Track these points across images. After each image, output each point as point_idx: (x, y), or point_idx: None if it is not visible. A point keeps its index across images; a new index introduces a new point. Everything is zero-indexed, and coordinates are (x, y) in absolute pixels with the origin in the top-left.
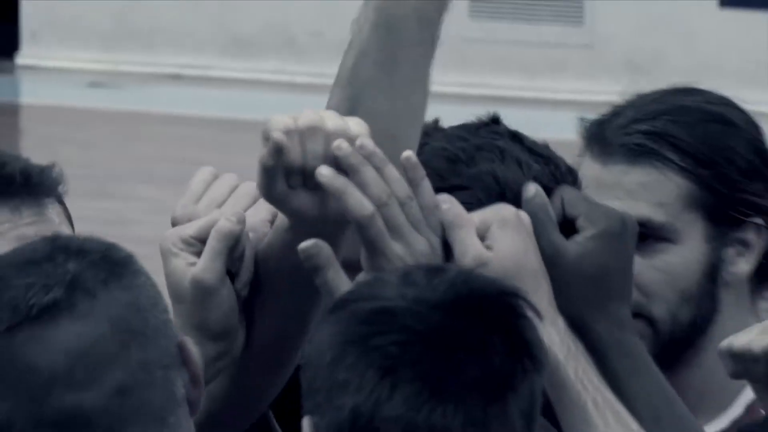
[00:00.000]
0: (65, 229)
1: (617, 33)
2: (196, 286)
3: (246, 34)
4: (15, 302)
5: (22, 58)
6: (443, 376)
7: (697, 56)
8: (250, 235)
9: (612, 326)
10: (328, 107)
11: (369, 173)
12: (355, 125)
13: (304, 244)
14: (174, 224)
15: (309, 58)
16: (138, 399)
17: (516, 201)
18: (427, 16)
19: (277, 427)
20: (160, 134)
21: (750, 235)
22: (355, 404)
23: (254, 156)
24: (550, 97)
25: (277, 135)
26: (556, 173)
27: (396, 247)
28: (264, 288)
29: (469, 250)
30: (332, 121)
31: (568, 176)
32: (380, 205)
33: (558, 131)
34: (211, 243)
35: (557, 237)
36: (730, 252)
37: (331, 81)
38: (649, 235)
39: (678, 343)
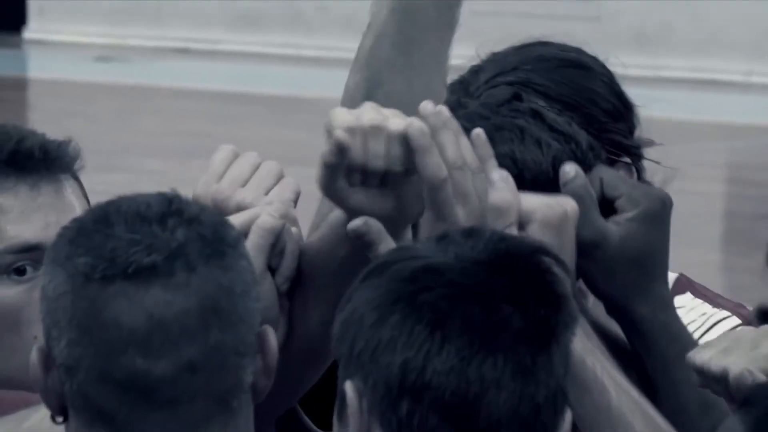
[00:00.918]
0: (81, 207)
1: (625, 6)
2: None
3: (253, 8)
4: (115, 254)
5: (30, 32)
6: (492, 328)
7: (705, 29)
8: (293, 230)
9: (656, 309)
10: (346, 88)
11: (449, 136)
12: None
13: (354, 223)
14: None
15: (315, 31)
16: (205, 379)
17: (534, 182)
18: (444, 0)
19: (306, 419)
20: (167, 108)
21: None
22: (404, 360)
23: (260, 129)
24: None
25: (340, 134)
26: (576, 151)
27: (460, 214)
28: (308, 282)
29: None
30: (394, 120)
31: (589, 153)
32: (454, 169)
33: None
34: (253, 238)
35: (600, 220)
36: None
37: (337, 54)
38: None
39: None
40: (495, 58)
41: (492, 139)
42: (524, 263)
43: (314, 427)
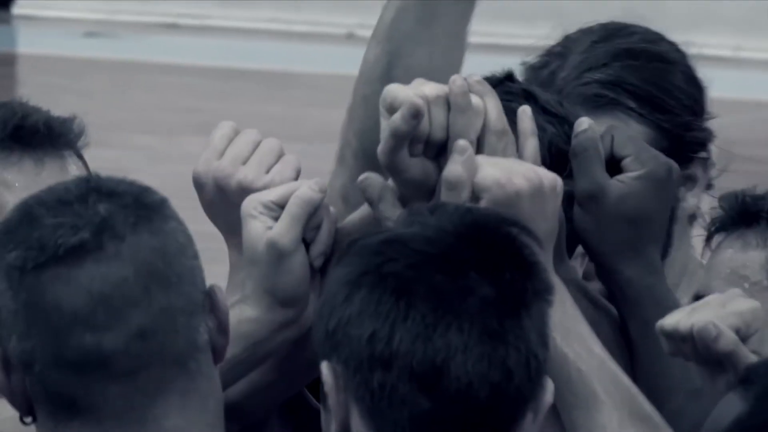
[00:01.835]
0: None
1: None
2: (271, 249)
3: None
4: (43, 241)
5: (19, 7)
6: (457, 294)
7: (696, 4)
8: (331, 209)
9: (644, 271)
10: (365, 60)
11: (495, 102)
12: (475, 97)
13: (360, 178)
14: (196, 180)
15: (305, 6)
16: (158, 343)
17: None
18: None
19: (312, 399)
20: (157, 83)
21: (697, 171)
22: (372, 331)
23: (250, 104)
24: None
25: (417, 100)
26: (570, 132)
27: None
28: None
29: None
30: (455, 89)
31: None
32: (492, 133)
33: None
34: (290, 208)
35: (601, 174)
36: (681, 189)
37: (326, 30)
38: None
39: None
40: (577, 47)
41: None
42: (491, 232)
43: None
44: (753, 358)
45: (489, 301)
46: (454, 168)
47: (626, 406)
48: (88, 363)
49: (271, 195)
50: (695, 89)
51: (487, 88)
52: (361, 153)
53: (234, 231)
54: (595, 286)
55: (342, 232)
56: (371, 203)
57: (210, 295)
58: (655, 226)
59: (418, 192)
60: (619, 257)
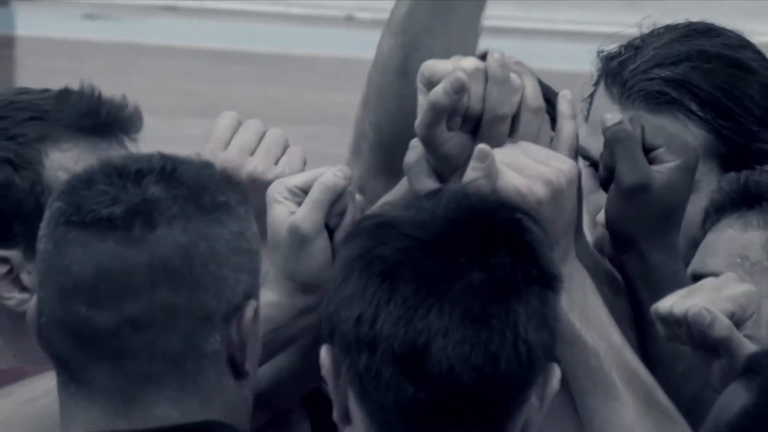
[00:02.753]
0: None
1: None
2: (293, 233)
3: None
4: (81, 203)
5: None
6: (442, 278)
7: None
8: (357, 197)
9: (668, 257)
10: (379, 51)
11: (532, 80)
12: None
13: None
14: None
15: None
16: (149, 337)
17: None
18: None
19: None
20: (156, 66)
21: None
22: (359, 314)
23: (248, 86)
24: (546, 27)
25: (461, 74)
26: (552, 113)
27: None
28: None
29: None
30: (493, 62)
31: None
32: (528, 110)
33: (553, 62)
34: (314, 193)
35: (647, 165)
36: None
37: (326, 12)
38: None
39: None
40: (655, 42)
41: None
42: (487, 217)
43: None
44: (747, 343)
45: (475, 285)
46: (473, 174)
47: (643, 395)
48: (81, 334)
49: (297, 180)
50: None
51: (525, 67)
52: (377, 144)
53: None
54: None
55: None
56: (407, 170)
57: (238, 310)
58: (681, 213)
59: (454, 167)
60: (647, 243)
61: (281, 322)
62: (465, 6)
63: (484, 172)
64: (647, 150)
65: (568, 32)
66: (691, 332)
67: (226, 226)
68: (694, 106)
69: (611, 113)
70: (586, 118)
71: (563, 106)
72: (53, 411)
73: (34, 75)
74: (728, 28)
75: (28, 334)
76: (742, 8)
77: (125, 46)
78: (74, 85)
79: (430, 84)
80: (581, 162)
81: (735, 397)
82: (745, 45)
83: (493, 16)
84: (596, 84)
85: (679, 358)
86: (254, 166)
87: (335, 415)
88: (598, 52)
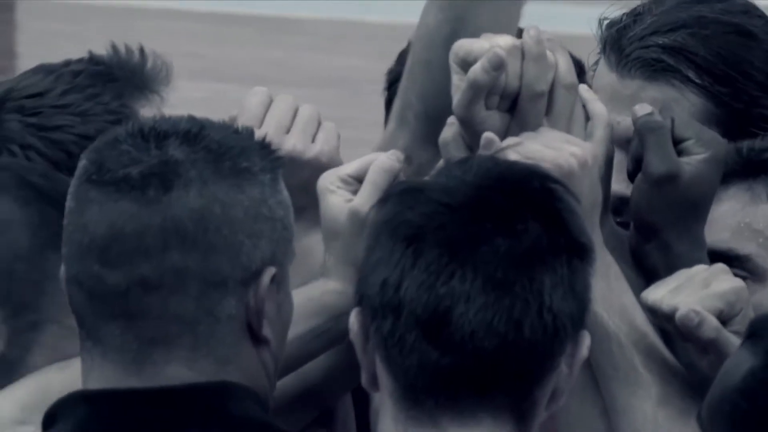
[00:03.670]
0: None
1: None
2: (354, 219)
3: None
4: (103, 162)
5: None
6: (467, 243)
7: None
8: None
9: (693, 246)
10: (425, 25)
11: (566, 57)
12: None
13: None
14: None
15: None
16: (160, 299)
17: None
18: None
19: None
20: (156, 29)
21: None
22: (384, 278)
23: (250, 49)
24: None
25: (500, 51)
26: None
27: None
28: None
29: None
30: (529, 38)
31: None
32: (562, 86)
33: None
34: (371, 176)
35: (676, 156)
36: None
37: None
38: None
39: None
40: (655, 9)
41: None
42: (516, 184)
43: None
44: (735, 341)
45: (499, 251)
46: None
47: (666, 382)
48: (94, 292)
49: (348, 169)
50: None
51: (557, 43)
52: (424, 115)
53: None
54: None
55: None
56: (442, 147)
57: (256, 276)
58: (709, 205)
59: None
60: (672, 233)
61: (345, 308)
62: None
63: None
64: (676, 141)
65: None
66: (679, 329)
67: (245, 191)
68: (691, 73)
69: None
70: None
71: (586, 93)
72: None
73: (35, 38)
74: None
75: None
76: None
77: (125, 9)
78: (74, 49)
79: (465, 63)
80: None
81: (740, 361)
82: (748, 11)
83: None
84: (600, 53)
85: None
86: (293, 145)
87: (363, 380)
88: (600, 20)
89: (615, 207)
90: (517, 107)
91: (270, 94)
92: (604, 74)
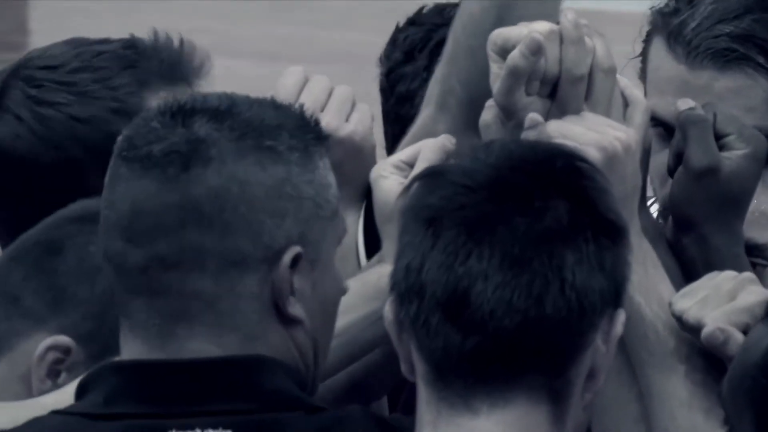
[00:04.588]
0: None
1: None
2: None
3: None
4: (133, 139)
5: None
6: (485, 222)
7: None
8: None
9: (731, 241)
10: (469, 13)
11: (603, 42)
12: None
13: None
14: None
15: None
16: (177, 276)
17: None
18: None
19: None
20: (165, 4)
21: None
22: (408, 262)
23: (258, 25)
24: None
25: (538, 36)
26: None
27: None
28: None
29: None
30: (567, 22)
31: None
32: (600, 71)
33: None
34: (425, 154)
35: (717, 150)
36: None
37: None
38: None
39: None
40: None
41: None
42: (538, 164)
43: None
44: None
45: (518, 229)
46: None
47: (699, 371)
48: (119, 268)
49: (401, 156)
50: None
51: (591, 28)
52: (468, 101)
53: None
54: None
55: None
56: (483, 130)
57: (280, 255)
58: (748, 201)
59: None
60: (710, 227)
61: None
62: None
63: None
64: (718, 137)
65: None
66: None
67: (267, 170)
68: (761, 59)
69: (676, 71)
70: (640, 76)
71: (630, 92)
72: None
73: (47, 14)
74: None
75: None
76: None
77: None
78: (83, 24)
79: (504, 51)
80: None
81: (760, 338)
82: None
83: None
84: (647, 40)
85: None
86: (326, 122)
87: (402, 368)
88: (651, 9)
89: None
90: (557, 92)
91: (306, 74)
92: (669, 66)
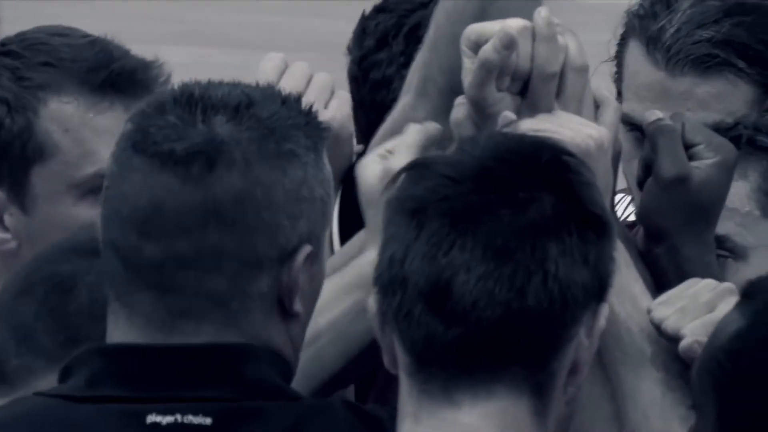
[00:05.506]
0: None
1: None
2: (387, 177)
3: None
4: (149, 132)
5: None
6: (469, 214)
7: None
8: None
9: (703, 249)
10: (454, 5)
11: (575, 40)
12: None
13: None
14: None
15: None
16: (193, 275)
17: None
18: None
19: None
20: None
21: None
22: (392, 253)
23: (235, 13)
24: None
25: (511, 30)
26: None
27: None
28: None
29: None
30: (540, 20)
31: None
32: (573, 70)
33: None
34: (408, 137)
35: (686, 160)
36: None
37: None
38: None
39: None
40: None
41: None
42: (524, 156)
43: None
44: None
45: (502, 221)
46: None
47: (671, 368)
48: (130, 260)
49: (387, 145)
50: None
51: (564, 27)
52: (447, 89)
53: None
54: None
55: None
56: (453, 127)
57: (292, 254)
58: (719, 210)
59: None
60: (681, 237)
61: None
62: None
63: None
64: (687, 146)
65: None
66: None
67: (288, 174)
68: (742, 64)
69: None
70: (614, 79)
71: (600, 92)
72: None
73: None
74: None
75: (9, 272)
76: None
77: None
78: (59, 13)
79: (477, 47)
80: (622, 128)
81: (729, 322)
82: None
83: None
84: (622, 43)
85: None
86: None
87: (385, 360)
88: (626, 13)
89: None
90: (528, 89)
91: (285, 60)
92: (648, 72)
